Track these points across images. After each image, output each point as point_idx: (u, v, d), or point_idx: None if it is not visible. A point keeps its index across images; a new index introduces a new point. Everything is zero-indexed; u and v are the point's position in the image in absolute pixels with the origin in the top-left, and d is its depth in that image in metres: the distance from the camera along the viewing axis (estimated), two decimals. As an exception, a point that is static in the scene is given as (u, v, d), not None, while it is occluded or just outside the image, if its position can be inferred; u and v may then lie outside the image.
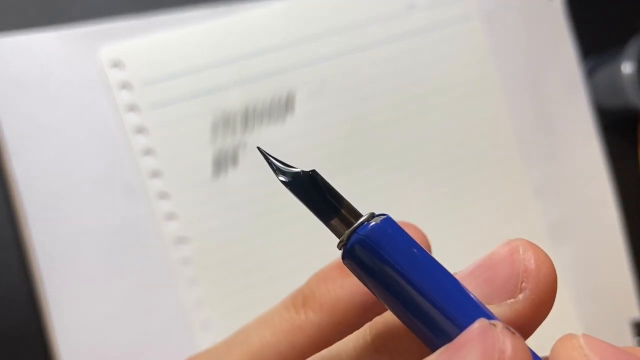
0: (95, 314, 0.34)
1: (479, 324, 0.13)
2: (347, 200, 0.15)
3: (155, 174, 0.35)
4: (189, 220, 0.35)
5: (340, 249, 0.15)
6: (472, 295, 0.14)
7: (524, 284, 0.14)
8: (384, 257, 0.14)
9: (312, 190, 0.15)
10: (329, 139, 0.38)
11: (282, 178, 0.15)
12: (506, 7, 0.41)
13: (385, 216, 0.15)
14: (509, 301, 0.14)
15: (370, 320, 0.17)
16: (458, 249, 0.38)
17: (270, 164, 0.15)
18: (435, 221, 0.39)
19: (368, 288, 0.15)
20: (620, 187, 0.43)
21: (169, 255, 0.35)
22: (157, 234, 0.35)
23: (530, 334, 0.15)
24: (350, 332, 0.16)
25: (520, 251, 0.15)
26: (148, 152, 0.35)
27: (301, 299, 0.20)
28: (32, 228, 0.33)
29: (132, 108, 0.35)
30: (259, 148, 0.16)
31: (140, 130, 0.35)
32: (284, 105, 0.37)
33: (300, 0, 0.38)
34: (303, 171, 0.15)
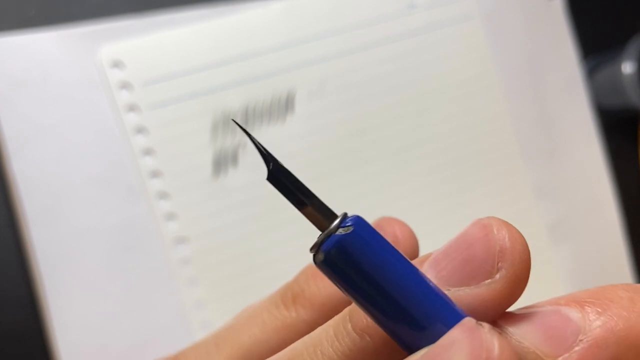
0: (95, 314, 0.34)
1: (466, 323, 0.13)
2: (317, 198, 0.15)
3: (155, 174, 0.35)
4: (189, 220, 0.35)
5: (311, 253, 0.15)
6: (445, 296, 0.14)
7: (500, 264, 0.14)
8: (355, 263, 0.14)
9: (282, 184, 0.15)
10: (329, 139, 0.38)
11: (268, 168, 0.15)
12: (506, 7, 0.41)
13: (356, 218, 0.14)
14: (486, 281, 0.14)
15: None
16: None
17: (257, 147, 0.15)
18: (435, 221, 0.39)
19: (341, 291, 0.15)
20: (621, 187, 0.43)
21: (169, 255, 0.35)
22: (157, 234, 0.35)
23: (504, 310, 0.15)
24: None
25: (495, 231, 0.15)
26: (148, 152, 0.35)
27: (290, 296, 0.20)
28: (32, 228, 0.33)
29: (132, 108, 0.35)
30: (234, 120, 0.16)
31: (140, 130, 0.35)
32: (284, 105, 0.37)
33: (300, 0, 0.38)
34: (273, 164, 0.15)
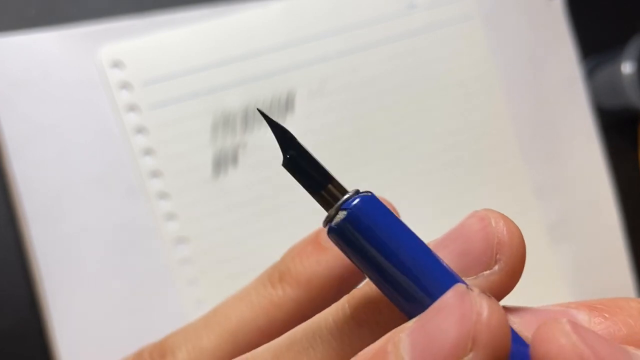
0: (95, 314, 0.34)
1: (456, 288, 0.13)
2: (334, 178, 0.15)
3: (155, 174, 0.35)
4: (189, 220, 0.35)
5: (325, 226, 0.15)
6: (449, 268, 0.15)
7: (498, 256, 0.15)
8: (368, 233, 0.15)
9: (302, 165, 0.15)
10: (329, 139, 0.38)
11: (284, 152, 0.16)
12: (506, 7, 0.41)
13: (369, 193, 0.15)
14: (485, 273, 0.15)
15: (346, 293, 0.17)
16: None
17: (274, 128, 0.16)
18: (435, 221, 0.39)
19: (351, 261, 0.15)
20: (620, 187, 0.43)
21: (169, 255, 0.35)
22: (157, 234, 0.35)
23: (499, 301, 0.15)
24: (327, 306, 0.16)
25: (493, 223, 0.15)
26: (148, 152, 0.35)
27: (277, 275, 0.20)
28: (32, 228, 0.33)
29: (132, 108, 0.35)
30: (259, 110, 0.16)
31: (140, 130, 0.35)
32: (284, 105, 0.37)
33: (300, 0, 0.38)
34: (294, 146, 0.16)
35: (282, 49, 0.37)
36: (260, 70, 0.37)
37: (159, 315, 0.35)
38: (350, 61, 0.38)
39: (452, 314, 0.13)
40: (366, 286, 0.16)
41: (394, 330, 0.14)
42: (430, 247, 0.15)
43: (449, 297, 0.13)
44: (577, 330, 0.13)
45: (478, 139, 0.40)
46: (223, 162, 0.36)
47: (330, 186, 0.15)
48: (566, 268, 0.41)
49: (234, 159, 0.36)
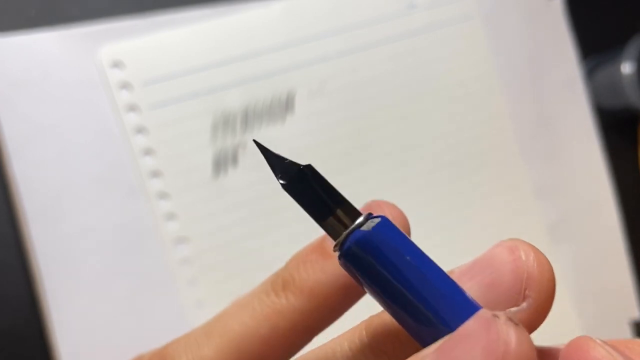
0: (95, 314, 0.34)
1: (481, 314, 0.13)
2: (346, 199, 0.15)
3: (155, 174, 0.35)
4: (189, 220, 0.35)
5: (336, 251, 0.15)
6: (469, 296, 0.14)
7: (527, 291, 0.14)
8: (381, 260, 0.14)
9: (307, 189, 0.15)
10: (329, 139, 0.38)
11: (280, 180, 0.15)
12: (506, 7, 0.41)
13: (381, 218, 0.15)
14: (512, 309, 0.14)
15: (351, 302, 0.16)
16: (458, 249, 0.38)
17: (268, 158, 0.15)
18: (435, 221, 0.39)
19: (363, 288, 0.15)
20: (620, 187, 0.43)
21: (169, 255, 0.35)
22: (157, 234, 0.35)
23: None
24: (332, 315, 0.16)
25: (523, 256, 0.14)
26: (148, 152, 0.35)
27: (281, 282, 0.20)
28: (32, 228, 0.33)
29: (132, 108, 0.35)
30: (255, 141, 0.16)
31: (140, 130, 0.35)
32: (284, 105, 0.37)
33: (300, 0, 0.38)
34: (298, 168, 0.15)
35: (282, 49, 0.37)
36: (260, 70, 0.37)
37: (159, 315, 0.35)
38: (350, 61, 0.38)
39: (478, 342, 0.12)
40: (385, 313, 0.15)
41: (412, 357, 0.13)
42: (456, 275, 0.15)
43: (474, 324, 0.12)
44: (610, 344, 0.12)
45: (478, 139, 0.40)
46: (223, 162, 0.36)
47: (339, 210, 0.15)
48: (566, 268, 0.41)
49: (234, 159, 0.36)
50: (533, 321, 0.14)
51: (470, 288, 0.14)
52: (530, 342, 0.12)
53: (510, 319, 0.12)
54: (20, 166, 0.34)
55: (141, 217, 0.35)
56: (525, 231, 0.40)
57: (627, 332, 0.41)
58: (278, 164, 0.15)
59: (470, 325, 0.12)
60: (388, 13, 0.39)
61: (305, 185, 0.15)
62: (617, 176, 0.43)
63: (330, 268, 0.19)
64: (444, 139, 0.39)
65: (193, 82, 0.36)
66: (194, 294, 0.35)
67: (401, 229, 0.19)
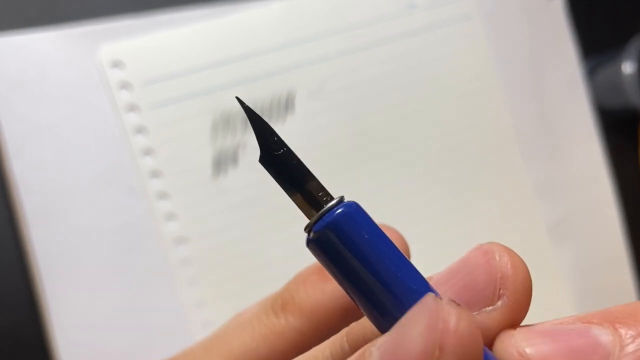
0: (95, 314, 0.34)
1: (425, 298, 0.13)
2: (316, 180, 0.15)
3: (155, 174, 0.35)
4: (189, 220, 0.35)
5: (306, 232, 0.15)
6: (431, 286, 0.14)
7: (501, 291, 0.14)
8: (351, 245, 0.14)
9: (281, 164, 0.15)
10: (329, 139, 0.38)
11: (260, 152, 0.15)
12: (506, 7, 0.41)
13: (353, 203, 0.15)
14: (487, 309, 0.14)
15: (351, 323, 0.16)
16: (458, 249, 0.38)
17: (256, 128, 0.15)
18: (435, 221, 0.39)
19: (328, 272, 0.15)
20: (621, 187, 0.43)
21: (169, 255, 0.35)
22: (157, 234, 0.35)
23: None
24: (331, 336, 0.16)
25: (497, 257, 0.15)
26: (148, 152, 0.35)
27: (280, 303, 0.20)
28: (32, 228, 0.33)
29: (132, 108, 0.35)
30: (238, 98, 0.16)
31: (140, 130, 0.35)
32: (284, 105, 0.37)
33: (300, 0, 0.38)
34: (283, 148, 0.15)
35: (282, 48, 0.37)
36: (260, 70, 0.37)
37: (159, 315, 0.35)
38: (350, 61, 0.38)
39: (420, 322, 0.12)
40: (365, 320, 0.16)
41: (366, 345, 0.13)
42: (434, 279, 0.15)
43: (418, 306, 0.13)
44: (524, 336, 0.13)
45: (478, 139, 0.40)
46: (223, 162, 0.36)
47: (312, 191, 0.15)
48: (566, 268, 0.40)
49: (234, 159, 0.36)
50: (510, 319, 0.14)
51: (447, 291, 0.15)
52: (470, 321, 0.12)
53: (452, 301, 0.13)
54: (19, 166, 0.34)
55: (141, 217, 0.35)
56: (525, 231, 0.40)
57: (627, 332, 0.41)
58: (265, 138, 0.15)
59: (415, 309, 0.13)
60: (388, 13, 0.39)
61: (280, 163, 0.15)
62: (618, 176, 0.43)
63: (330, 289, 0.19)
64: (444, 139, 0.39)
65: (193, 82, 0.36)
66: (193, 294, 0.35)
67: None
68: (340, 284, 0.15)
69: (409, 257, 0.19)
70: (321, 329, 0.19)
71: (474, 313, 0.14)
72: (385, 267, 0.14)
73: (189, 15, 0.37)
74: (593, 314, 0.14)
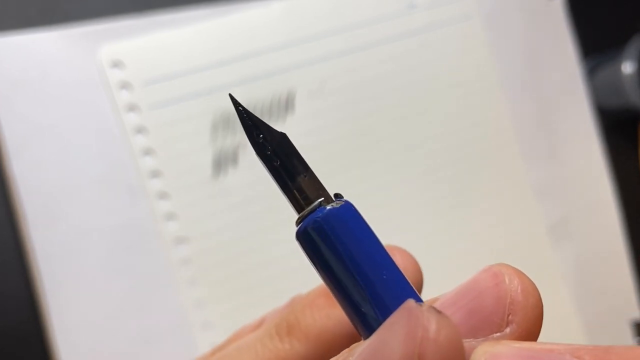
0: (95, 314, 0.34)
1: (405, 305, 0.12)
2: (312, 172, 0.15)
3: (155, 174, 0.35)
4: (189, 220, 0.35)
5: (297, 226, 0.15)
6: (415, 291, 0.14)
7: (510, 317, 0.14)
8: (335, 245, 0.14)
9: (278, 155, 0.15)
10: (329, 139, 0.38)
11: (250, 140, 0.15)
12: (506, 7, 0.41)
13: (345, 202, 0.15)
14: (495, 335, 0.14)
15: None
16: (458, 249, 0.38)
17: (242, 118, 0.15)
18: (435, 221, 0.39)
19: (314, 269, 0.15)
20: (621, 187, 0.43)
21: (169, 255, 0.35)
22: (157, 234, 0.35)
23: None
24: None
25: (506, 280, 0.14)
26: (148, 152, 0.35)
27: (285, 326, 0.19)
28: (32, 228, 0.33)
29: (132, 108, 0.35)
30: (230, 95, 0.16)
31: (140, 130, 0.35)
32: (284, 105, 0.37)
33: (300, 0, 0.38)
34: (276, 133, 0.15)
35: (282, 48, 0.37)
36: (261, 70, 0.37)
37: (159, 315, 0.35)
38: (350, 61, 0.38)
39: (400, 329, 0.12)
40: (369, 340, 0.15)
41: (345, 351, 0.13)
42: (440, 301, 0.15)
43: (398, 313, 0.12)
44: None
45: (478, 139, 0.40)
46: (223, 162, 0.36)
47: (305, 185, 0.15)
48: (566, 268, 0.40)
49: (234, 159, 0.36)
50: None
51: (453, 314, 0.14)
52: (452, 329, 0.12)
53: (433, 307, 0.12)
54: (19, 166, 0.34)
55: (141, 217, 0.35)
56: (525, 231, 0.40)
57: (627, 332, 0.41)
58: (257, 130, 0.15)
59: (395, 315, 0.12)
60: (388, 13, 0.39)
61: (277, 153, 0.15)
62: (618, 176, 0.43)
63: (336, 314, 0.19)
64: (444, 139, 0.39)
65: (193, 82, 0.36)
66: (193, 294, 0.35)
67: (412, 278, 0.18)
68: (326, 282, 0.15)
69: (420, 284, 0.19)
70: (326, 355, 0.18)
71: (480, 339, 0.14)
72: (368, 269, 0.14)
73: (189, 15, 0.37)
74: (587, 350, 0.13)
